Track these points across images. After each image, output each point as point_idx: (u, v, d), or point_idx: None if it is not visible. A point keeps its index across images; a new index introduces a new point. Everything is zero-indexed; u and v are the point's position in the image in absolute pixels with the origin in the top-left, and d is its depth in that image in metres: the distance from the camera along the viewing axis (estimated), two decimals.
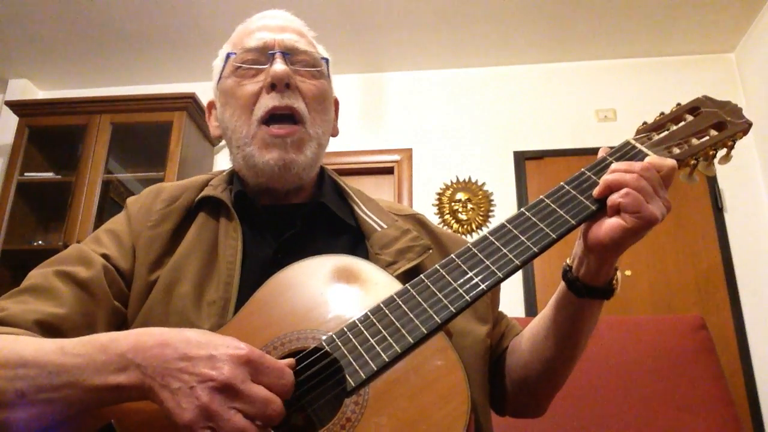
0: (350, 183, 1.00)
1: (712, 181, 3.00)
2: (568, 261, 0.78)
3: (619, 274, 0.76)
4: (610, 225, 0.69)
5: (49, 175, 3.23)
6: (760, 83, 2.97)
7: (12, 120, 3.26)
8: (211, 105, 0.97)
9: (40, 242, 3.18)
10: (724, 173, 2.99)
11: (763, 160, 2.97)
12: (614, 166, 0.72)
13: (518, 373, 0.87)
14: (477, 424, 0.75)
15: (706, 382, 1.49)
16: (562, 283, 0.78)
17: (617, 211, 0.68)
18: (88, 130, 3.11)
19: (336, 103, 1.00)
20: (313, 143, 0.87)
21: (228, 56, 0.91)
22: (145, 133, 3.20)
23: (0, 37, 3.18)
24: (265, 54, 0.88)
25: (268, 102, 0.85)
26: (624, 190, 0.68)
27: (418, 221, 0.96)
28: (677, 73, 3.21)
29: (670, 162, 0.72)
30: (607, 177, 0.70)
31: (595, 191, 0.70)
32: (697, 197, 2.98)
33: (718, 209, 2.96)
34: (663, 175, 0.71)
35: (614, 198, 0.68)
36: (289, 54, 0.88)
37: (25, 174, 3.14)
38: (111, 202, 3.10)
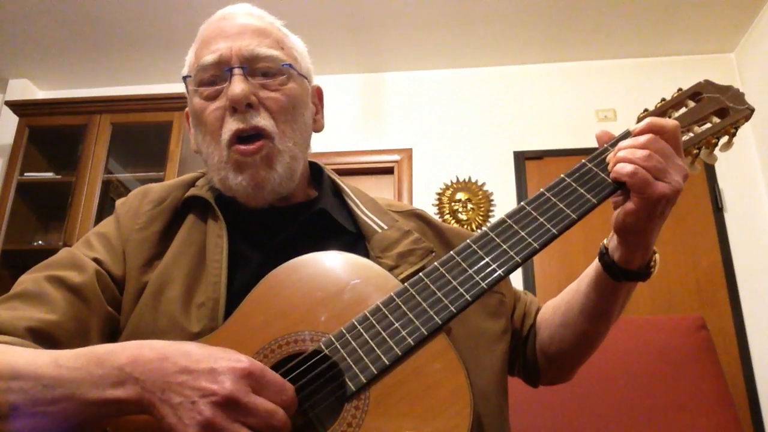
0: (350, 183, 0.97)
1: (712, 181, 2.99)
2: (605, 242, 0.77)
3: (657, 256, 0.76)
4: (622, 208, 0.69)
5: (49, 175, 3.22)
6: (760, 83, 2.97)
7: (12, 120, 3.25)
8: (188, 116, 0.92)
9: (40, 242, 3.18)
10: (724, 173, 2.99)
11: (763, 160, 2.97)
12: (622, 143, 0.70)
13: (552, 347, 0.88)
14: (493, 426, 0.75)
15: (706, 382, 1.49)
16: (597, 263, 0.78)
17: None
18: (88, 130, 3.10)
19: (319, 93, 0.96)
20: (284, 157, 0.83)
21: (185, 78, 0.86)
22: (145, 133, 3.19)
23: (0, 37, 3.18)
24: (221, 70, 0.82)
25: (232, 125, 0.80)
26: (630, 170, 0.67)
27: (420, 217, 0.94)
28: (677, 73, 3.20)
29: (672, 122, 0.71)
30: (618, 156, 0.69)
31: (610, 175, 0.70)
32: (697, 197, 2.98)
33: (718, 209, 2.96)
34: (668, 137, 0.70)
35: (623, 179, 0.68)
36: (247, 66, 0.82)
37: (25, 174, 3.12)
38: (111, 202, 3.10)
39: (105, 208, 3.04)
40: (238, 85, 0.80)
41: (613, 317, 0.82)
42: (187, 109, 0.92)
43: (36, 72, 3.50)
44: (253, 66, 0.83)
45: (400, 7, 2.96)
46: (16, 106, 3.23)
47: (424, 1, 2.92)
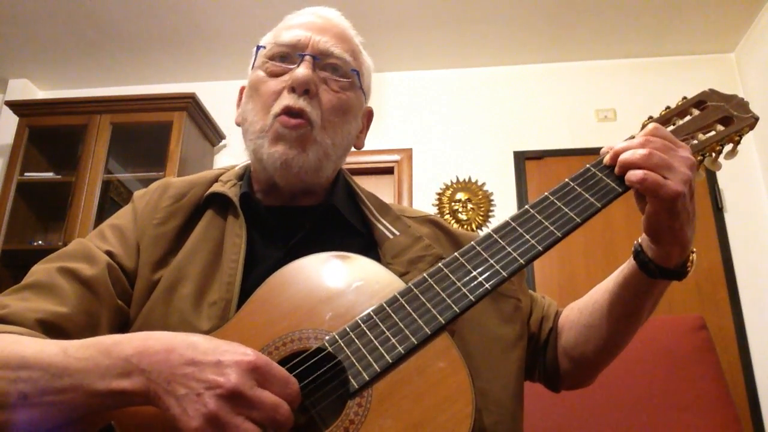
0: (365, 188, 0.97)
1: (712, 181, 2.99)
2: (638, 240, 0.77)
3: (694, 256, 0.76)
4: (645, 213, 0.70)
5: (49, 175, 3.22)
6: (760, 83, 2.97)
7: (12, 120, 3.25)
8: (243, 90, 0.95)
9: (40, 242, 3.18)
10: (724, 173, 2.99)
11: (763, 160, 2.97)
12: (620, 145, 0.72)
13: (577, 349, 0.87)
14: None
15: (706, 382, 1.49)
16: (631, 262, 0.77)
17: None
18: (88, 130, 3.10)
19: (369, 115, 0.98)
20: (317, 148, 0.85)
21: (258, 48, 0.89)
22: (145, 133, 3.19)
23: (0, 37, 3.18)
24: (295, 53, 0.86)
25: (284, 101, 0.84)
26: (640, 176, 0.67)
27: (434, 223, 0.94)
28: (677, 73, 3.20)
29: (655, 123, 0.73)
30: (621, 159, 0.70)
31: (624, 182, 0.70)
32: (697, 197, 2.95)
33: (718, 209, 2.96)
34: (661, 134, 0.71)
35: (635, 186, 0.68)
36: (319, 58, 0.86)
37: (25, 174, 3.13)
38: (111, 202, 3.10)
39: (105, 208, 3.05)
40: (304, 69, 0.84)
41: (643, 318, 0.82)
42: (244, 84, 0.95)
43: (36, 72, 3.51)
44: (324, 60, 0.87)
45: (401, 7, 2.96)
46: (16, 106, 3.23)
47: (424, 1, 2.93)
